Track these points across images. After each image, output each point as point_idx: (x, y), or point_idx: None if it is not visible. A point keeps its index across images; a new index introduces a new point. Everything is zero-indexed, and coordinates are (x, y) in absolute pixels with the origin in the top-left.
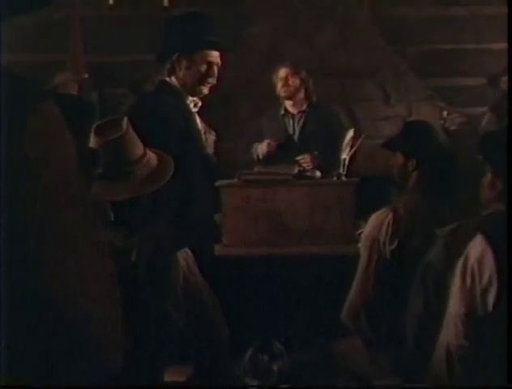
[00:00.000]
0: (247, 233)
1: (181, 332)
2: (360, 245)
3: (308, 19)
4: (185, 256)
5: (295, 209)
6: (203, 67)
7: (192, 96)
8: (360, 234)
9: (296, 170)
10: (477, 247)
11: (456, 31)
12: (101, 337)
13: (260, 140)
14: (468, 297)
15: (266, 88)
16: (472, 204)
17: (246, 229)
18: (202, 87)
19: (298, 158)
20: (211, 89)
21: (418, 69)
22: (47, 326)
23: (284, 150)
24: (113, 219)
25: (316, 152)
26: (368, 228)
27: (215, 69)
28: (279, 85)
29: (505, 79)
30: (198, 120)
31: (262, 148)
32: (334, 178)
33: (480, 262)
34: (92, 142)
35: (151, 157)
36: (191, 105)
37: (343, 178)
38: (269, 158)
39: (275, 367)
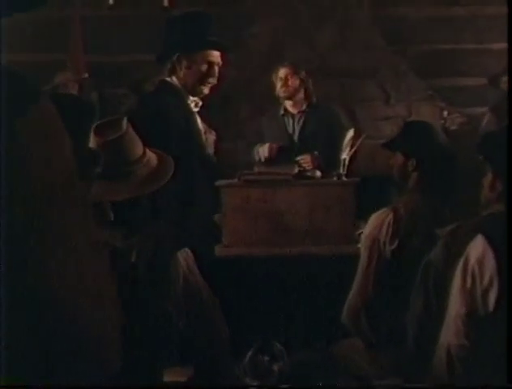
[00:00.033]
0: (247, 233)
1: (181, 332)
2: (360, 245)
3: (308, 19)
4: (185, 256)
5: (295, 209)
6: (204, 67)
7: (193, 95)
8: (360, 234)
9: (296, 170)
10: (478, 247)
11: (456, 31)
12: (101, 337)
13: (260, 140)
14: (469, 298)
15: (266, 88)
16: (472, 204)
17: (246, 229)
18: (203, 87)
19: (298, 158)
20: (211, 89)
21: (418, 69)
22: (47, 326)
23: (284, 150)
24: (112, 219)
25: (316, 152)
26: (368, 228)
27: (216, 69)
28: (279, 85)
29: (505, 79)
30: (198, 120)
31: (263, 151)
32: (335, 178)
33: (480, 262)
34: (92, 142)
35: (151, 157)
36: (192, 105)
37: (344, 178)
38: (270, 160)
39: (275, 367)
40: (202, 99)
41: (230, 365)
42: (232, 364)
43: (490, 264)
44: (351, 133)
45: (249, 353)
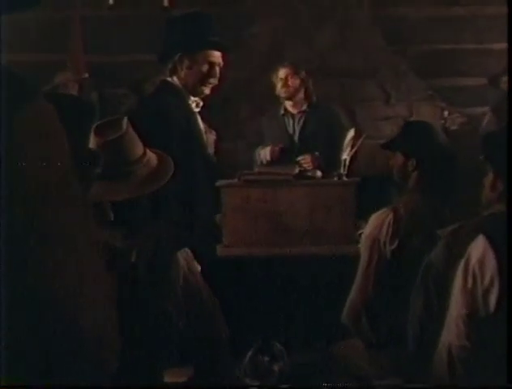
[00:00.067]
0: (247, 233)
1: (181, 333)
2: (360, 245)
3: (308, 19)
4: (185, 256)
5: (295, 209)
6: (205, 67)
7: (194, 96)
8: (360, 234)
9: (296, 170)
10: (479, 248)
11: (456, 31)
12: (101, 337)
13: (260, 140)
14: (470, 298)
15: (266, 88)
16: (473, 204)
17: (246, 229)
18: (204, 88)
19: (298, 158)
20: (212, 89)
21: (418, 69)
22: (47, 326)
23: (286, 152)
24: (112, 219)
25: (316, 152)
26: (368, 229)
27: (217, 69)
28: (279, 86)
29: (505, 79)
30: (199, 120)
31: (265, 154)
32: (335, 178)
33: (481, 262)
34: (92, 142)
35: (151, 157)
36: (193, 105)
37: (344, 178)
38: (272, 163)
39: (275, 368)
40: (203, 99)
41: (230, 366)
42: (232, 364)
43: (491, 264)
44: (351, 133)
45: (249, 353)
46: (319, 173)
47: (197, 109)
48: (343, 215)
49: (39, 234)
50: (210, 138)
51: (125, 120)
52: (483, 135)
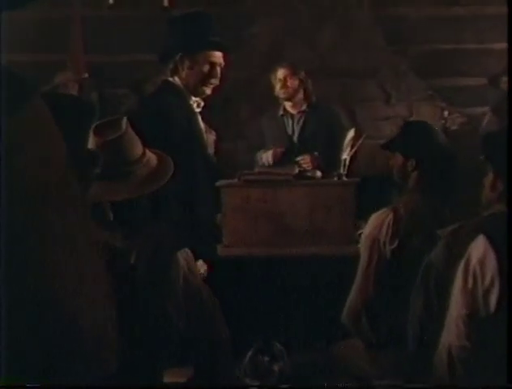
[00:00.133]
0: (247, 234)
1: (181, 333)
2: (360, 245)
3: (308, 19)
4: (185, 256)
5: (295, 209)
6: (206, 68)
7: (195, 96)
8: (360, 234)
9: (296, 170)
10: (479, 248)
11: (456, 31)
12: (101, 337)
13: (260, 140)
14: (470, 298)
15: (266, 88)
16: (473, 204)
17: (246, 230)
18: (205, 88)
19: (298, 158)
20: (213, 90)
21: (418, 69)
22: (47, 326)
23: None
24: (112, 219)
25: (315, 153)
26: (368, 229)
27: (218, 69)
28: (278, 86)
29: (505, 79)
30: (200, 120)
31: (267, 157)
32: (335, 178)
33: (481, 263)
34: (92, 142)
35: (151, 157)
36: (194, 106)
37: (344, 178)
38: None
39: (275, 368)
40: (204, 99)
41: (230, 366)
42: (233, 364)
43: (491, 265)
44: (351, 133)
45: (249, 353)
46: (319, 173)
47: (198, 110)
48: (343, 216)
49: (39, 234)
50: (210, 138)
51: (125, 120)
52: (483, 135)
